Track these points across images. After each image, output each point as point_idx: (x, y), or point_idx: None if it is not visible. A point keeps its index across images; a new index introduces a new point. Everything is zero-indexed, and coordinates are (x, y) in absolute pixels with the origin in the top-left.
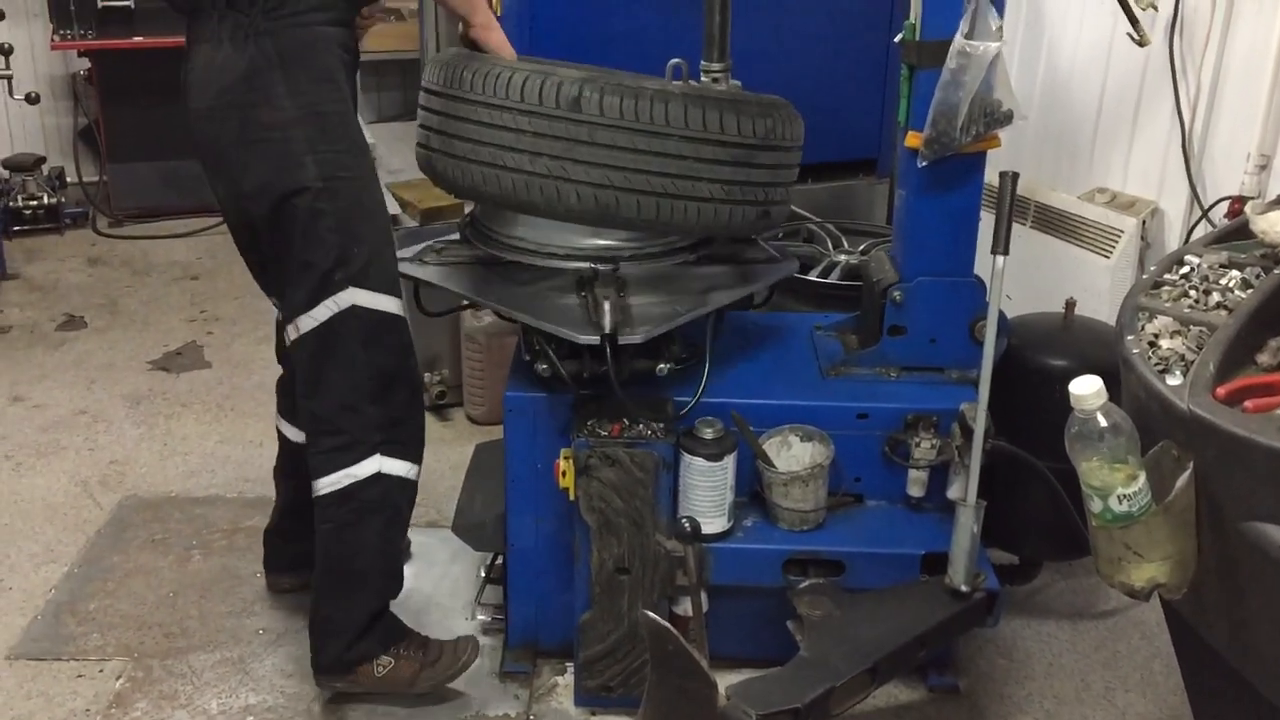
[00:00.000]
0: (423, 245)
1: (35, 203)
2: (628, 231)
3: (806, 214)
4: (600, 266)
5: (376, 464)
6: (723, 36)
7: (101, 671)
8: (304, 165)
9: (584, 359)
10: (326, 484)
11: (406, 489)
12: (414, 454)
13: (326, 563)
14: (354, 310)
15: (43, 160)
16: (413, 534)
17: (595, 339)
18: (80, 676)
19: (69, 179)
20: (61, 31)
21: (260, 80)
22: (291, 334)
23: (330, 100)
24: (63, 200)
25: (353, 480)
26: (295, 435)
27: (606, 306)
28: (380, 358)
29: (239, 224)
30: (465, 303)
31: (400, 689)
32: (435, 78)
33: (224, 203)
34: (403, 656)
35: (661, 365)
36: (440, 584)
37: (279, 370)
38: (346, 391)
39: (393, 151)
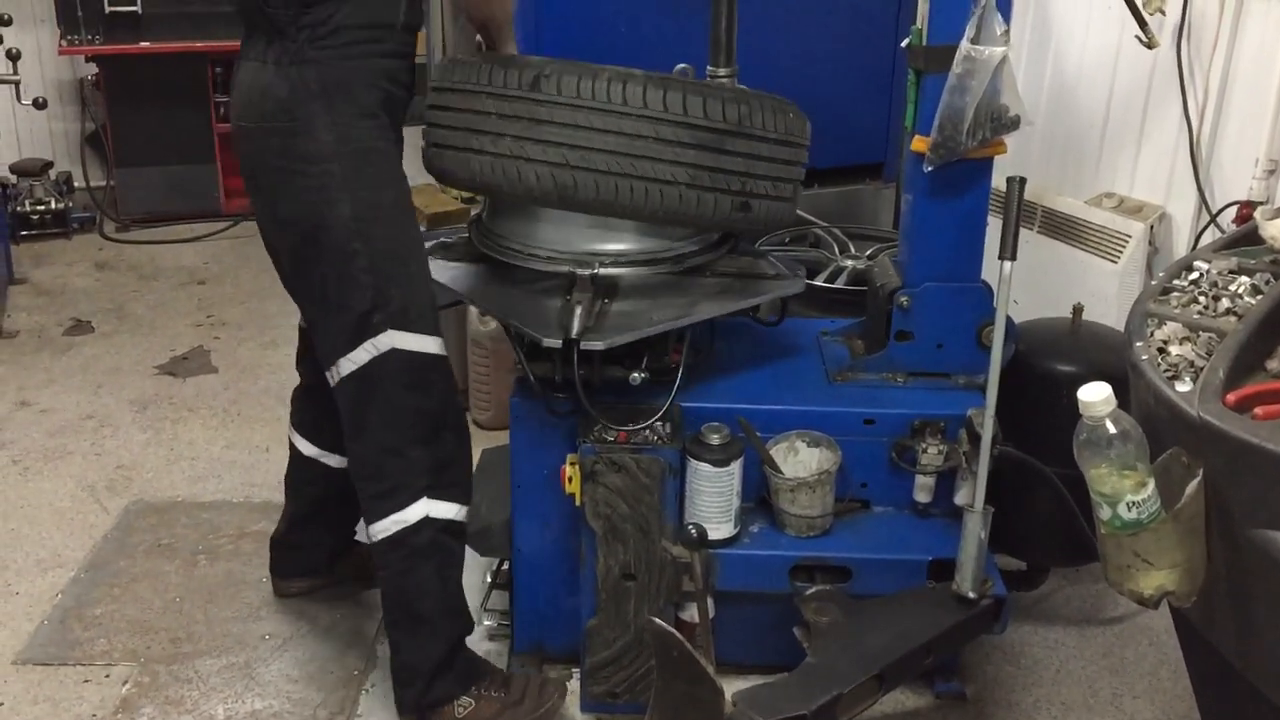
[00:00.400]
0: (434, 241)
1: (43, 208)
2: (623, 235)
3: (813, 218)
4: (580, 271)
5: (424, 508)
6: (729, 41)
7: (108, 677)
8: (339, 202)
9: (555, 362)
10: (379, 530)
11: (455, 530)
12: (462, 495)
13: (391, 608)
14: (394, 353)
15: (50, 165)
16: None
17: (558, 341)
18: (86, 682)
19: (76, 184)
20: (69, 37)
21: (302, 110)
22: (332, 378)
23: (372, 137)
24: (70, 205)
25: (401, 526)
26: (308, 448)
27: (578, 310)
28: (423, 400)
29: (269, 245)
30: (455, 300)
31: None
32: (434, 76)
33: (259, 222)
34: (484, 696)
35: (635, 374)
36: None
37: (285, 375)
38: (390, 436)
39: (404, 159)
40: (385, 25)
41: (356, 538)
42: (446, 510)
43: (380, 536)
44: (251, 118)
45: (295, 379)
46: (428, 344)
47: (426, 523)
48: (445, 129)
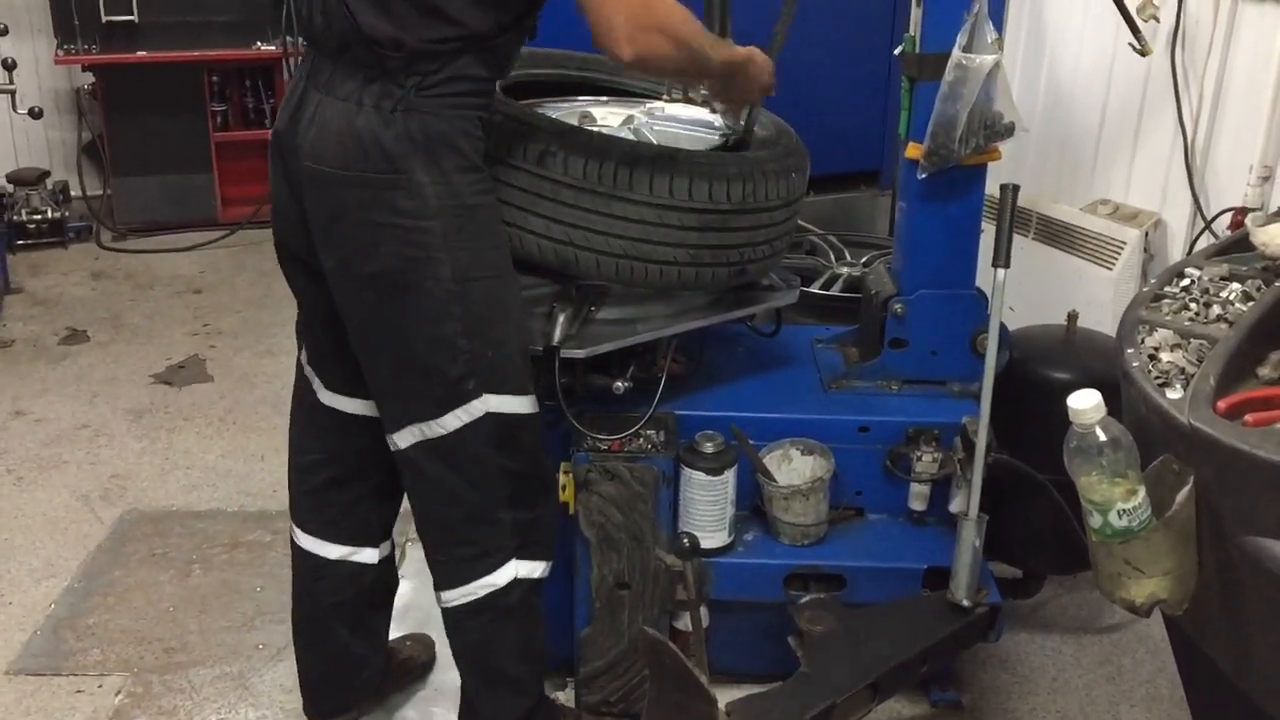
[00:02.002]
0: None
1: (39, 217)
2: None
3: (809, 226)
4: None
5: (513, 570)
6: None
7: (101, 687)
8: (438, 263)
9: (538, 369)
10: (460, 595)
11: (541, 587)
12: (547, 551)
13: (473, 671)
14: (487, 417)
15: (47, 174)
16: (414, 548)
17: (538, 349)
18: (79, 692)
19: (73, 193)
20: (66, 46)
21: (405, 162)
22: (405, 440)
23: (474, 192)
24: (66, 214)
25: (490, 590)
26: (335, 550)
27: (560, 319)
28: (515, 462)
29: (322, 296)
30: None
31: None
32: None
33: (332, 274)
34: None
35: (618, 383)
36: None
37: (281, 384)
38: (479, 502)
39: None
40: (490, 79)
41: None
42: (534, 569)
43: (461, 601)
44: (338, 163)
45: (289, 388)
46: (521, 404)
47: (516, 584)
48: None
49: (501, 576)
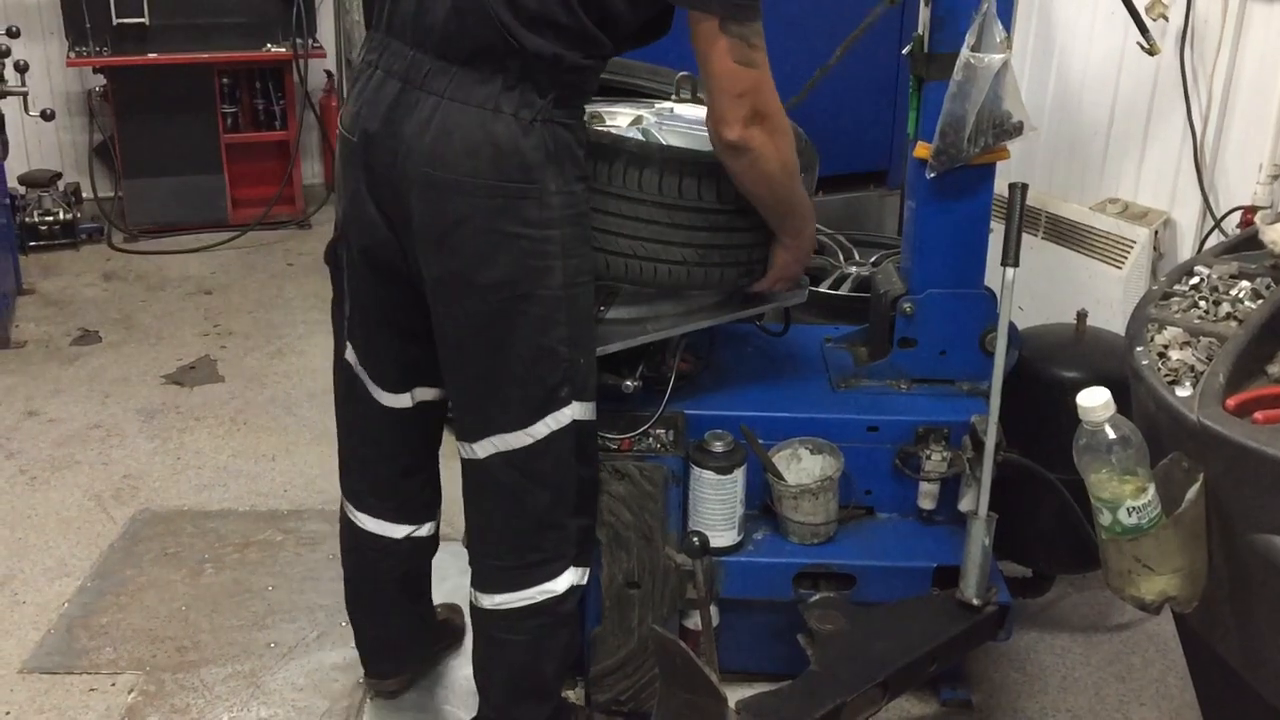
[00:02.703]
0: None
1: (51, 218)
2: None
3: (817, 225)
4: None
5: (571, 577)
6: None
7: (114, 685)
8: (553, 271)
9: None
10: (515, 599)
11: (582, 595)
12: (590, 558)
13: (511, 672)
14: (572, 425)
15: (58, 176)
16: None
17: None
18: (93, 690)
19: (84, 195)
20: (77, 49)
21: (540, 173)
22: (484, 450)
23: (585, 200)
24: (78, 216)
25: (549, 596)
26: (398, 530)
27: None
28: (587, 470)
29: (390, 299)
30: None
31: None
32: None
33: (398, 271)
34: None
35: (627, 382)
36: (452, 597)
37: (292, 384)
38: (551, 509)
39: None
40: (592, 92)
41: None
42: (583, 576)
43: (517, 604)
44: (466, 170)
45: (304, 386)
46: (592, 410)
47: (572, 591)
48: None
49: (561, 583)
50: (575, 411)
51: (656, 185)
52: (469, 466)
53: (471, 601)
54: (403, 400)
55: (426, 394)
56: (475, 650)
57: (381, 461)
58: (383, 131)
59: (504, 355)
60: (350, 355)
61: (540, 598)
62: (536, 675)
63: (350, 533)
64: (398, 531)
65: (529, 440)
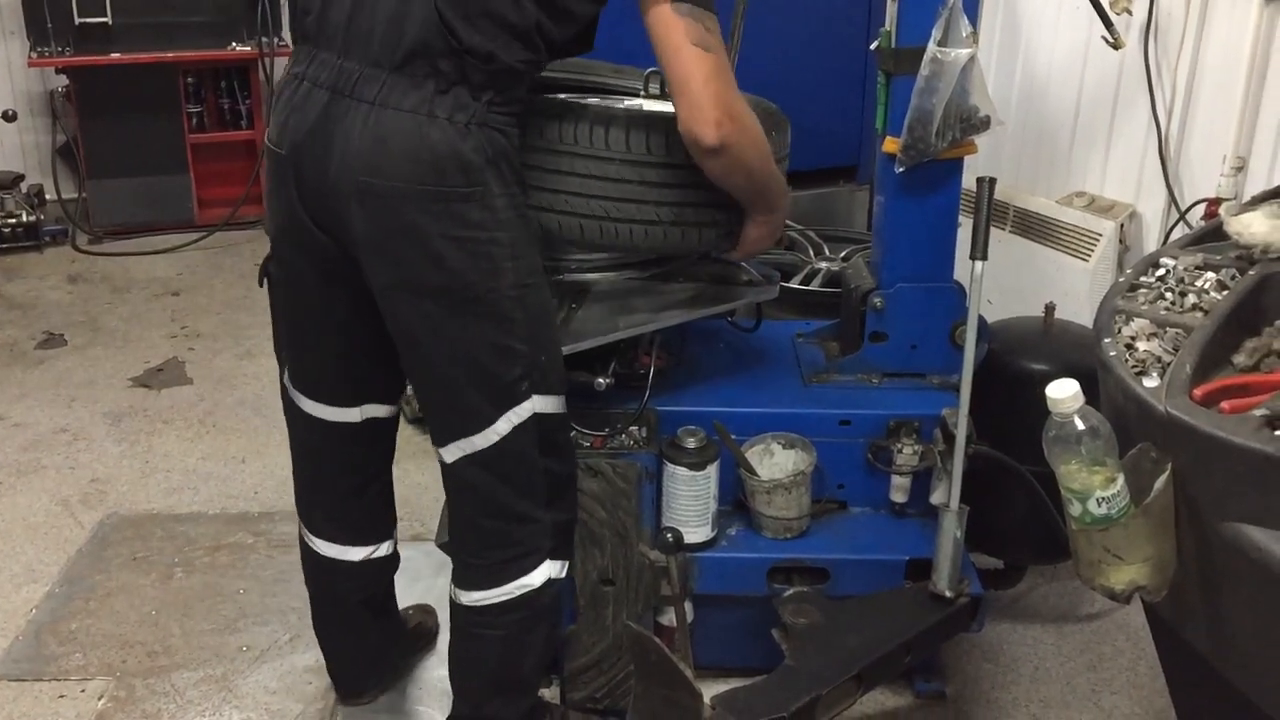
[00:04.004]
0: None
1: (14, 220)
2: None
3: (788, 221)
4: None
5: (547, 570)
6: None
7: (84, 691)
8: (504, 272)
9: None
10: (494, 594)
11: (561, 588)
12: (571, 551)
13: (490, 667)
14: (534, 418)
15: (21, 178)
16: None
17: None
18: (62, 697)
19: (48, 196)
20: (39, 48)
21: (480, 176)
22: (452, 455)
23: (525, 201)
24: (42, 218)
25: (526, 590)
26: (358, 553)
27: None
28: (555, 462)
29: (333, 311)
30: None
31: None
32: None
33: (342, 284)
34: None
35: (599, 380)
36: (425, 598)
37: (261, 386)
38: (522, 503)
39: None
40: (528, 100)
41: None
42: (562, 569)
43: (496, 600)
44: (404, 177)
45: (273, 388)
46: (558, 403)
47: (549, 584)
48: None
49: (537, 577)
50: (536, 405)
51: (624, 142)
52: (443, 469)
53: (451, 598)
54: (349, 415)
55: (378, 410)
56: (452, 647)
57: (329, 482)
58: (312, 143)
59: (463, 357)
60: (285, 377)
61: (518, 592)
62: (514, 670)
63: (309, 557)
64: (355, 554)
65: (495, 438)
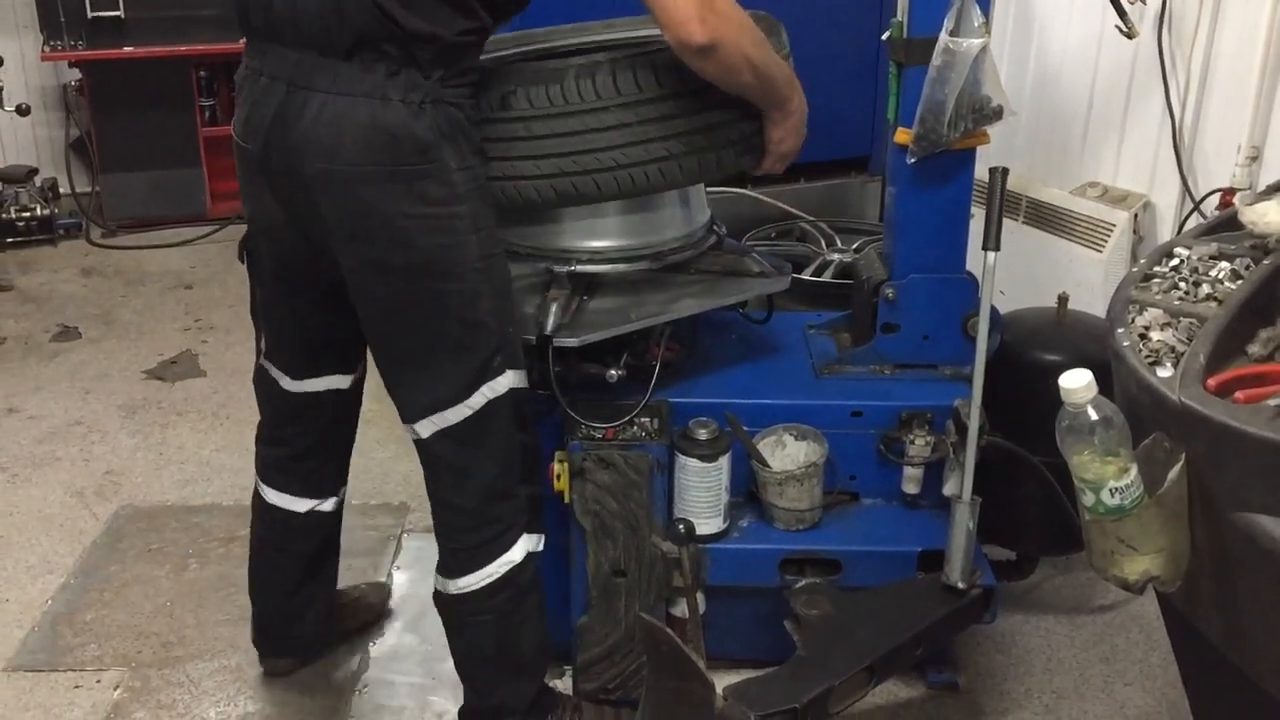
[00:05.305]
0: None
1: (28, 214)
2: (604, 232)
3: (799, 213)
4: (557, 268)
5: (525, 544)
6: None
7: (99, 682)
8: (468, 245)
9: (531, 358)
10: (479, 578)
11: (539, 559)
12: (543, 525)
13: (489, 652)
14: (510, 393)
15: (35, 172)
16: (410, 539)
17: (531, 338)
18: (78, 687)
19: (62, 190)
20: (52, 43)
21: (436, 152)
22: (426, 430)
23: (483, 174)
24: (55, 211)
25: (509, 567)
26: (302, 504)
27: (553, 307)
28: (527, 436)
29: (303, 294)
30: None
31: None
32: None
33: (312, 268)
34: None
35: (611, 371)
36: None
37: None
38: (499, 479)
39: None
40: (480, 69)
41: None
42: (539, 543)
43: (483, 584)
44: (361, 160)
45: None
46: (524, 378)
47: (529, 558)
48: None
49: (518, 552)
50: (510, 380)
51: (613, 87)
52: (418, 447)
53: (437, 590)
54: (313, 385)
55: (340, 381)
56: (450, 644)
57: (288, 442)
58: (275, 135)
59: (435, 333)
60: (261, 345)
61: (501, 571)
62: (514, 652)
63: (257, 504)
64: (300, 506)
65: (468, 412)
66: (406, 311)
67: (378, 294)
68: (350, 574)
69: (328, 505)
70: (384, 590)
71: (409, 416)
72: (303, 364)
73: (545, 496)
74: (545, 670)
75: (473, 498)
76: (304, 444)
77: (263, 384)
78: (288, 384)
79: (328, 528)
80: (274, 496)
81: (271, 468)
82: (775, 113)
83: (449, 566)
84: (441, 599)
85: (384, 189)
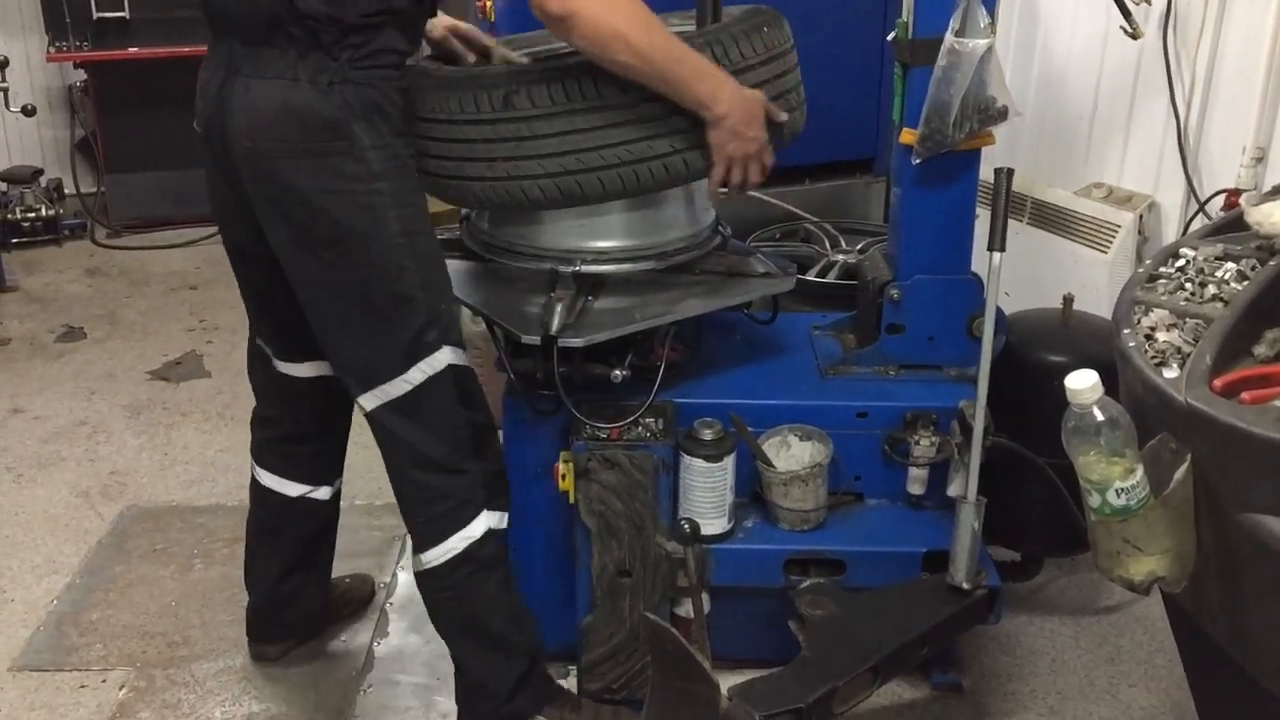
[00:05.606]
0: None
1: (33, 215)
2: (608, 232)
3: (804, 214)
4: (562, 268)
5: (485, 520)
6: None
7: (104, 682)
8: (388, 220)
9: (536, 358)
10: (440, 553)
11: (507, 540)
12: (508, 503)
13: (457, 630)
14: (449, 369)
15: (40, 172)
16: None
17: (536, 339)
18: (83, 687)
19: (67, 191)
20: (57, 44)
21: (346, 129)
22: (373, 401)
23: (406, 153)
24: (61, 212)
25: (469, 542)
26: (294, 489)
27: (558, 308)
28: (474, 412)
29: (262, 274)
30: None
31: None
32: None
33: (260, 248)
34: (555, 718)
35: (616, 372)
36: None
37: None
38: (449, 454)
39: None
40: (406, 52)
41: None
42: (501, 520)
43: (443, 559)
44: (277, 139)
45: None
46: (464, 356)
47: (490, 534)
48: (436, 159)
49: (476, 528)
50: (448, 356)
51: (614, 84)
52: (368, 421)
53: (415, 569)
54: (301, 370)
55: (324, 369)
56: (431, 621)
57: (278, 424)
58: (215, 119)
59: (363, 307)
60: (253, 328)
61: (461, 546)
62: (482, 628)
63: (252, 487)
64: (292, 490)
65: (407, 387)
66: (333, 287)
67: (309, 271)
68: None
69: (321, 493)
70: (369, 583)
71: (354, 390)
72: (284, 345)
73: (504, 472)
74: (528, 651)
75: (424, 472)
76: (295, 428)
77: (255, 361)
78: (277, 364)
79: (321, 516)
80: (266, 478)
81: (264, 449)
82: (702, 112)
83: (414, 543)
84: (416, 577)
85: (299, 166)
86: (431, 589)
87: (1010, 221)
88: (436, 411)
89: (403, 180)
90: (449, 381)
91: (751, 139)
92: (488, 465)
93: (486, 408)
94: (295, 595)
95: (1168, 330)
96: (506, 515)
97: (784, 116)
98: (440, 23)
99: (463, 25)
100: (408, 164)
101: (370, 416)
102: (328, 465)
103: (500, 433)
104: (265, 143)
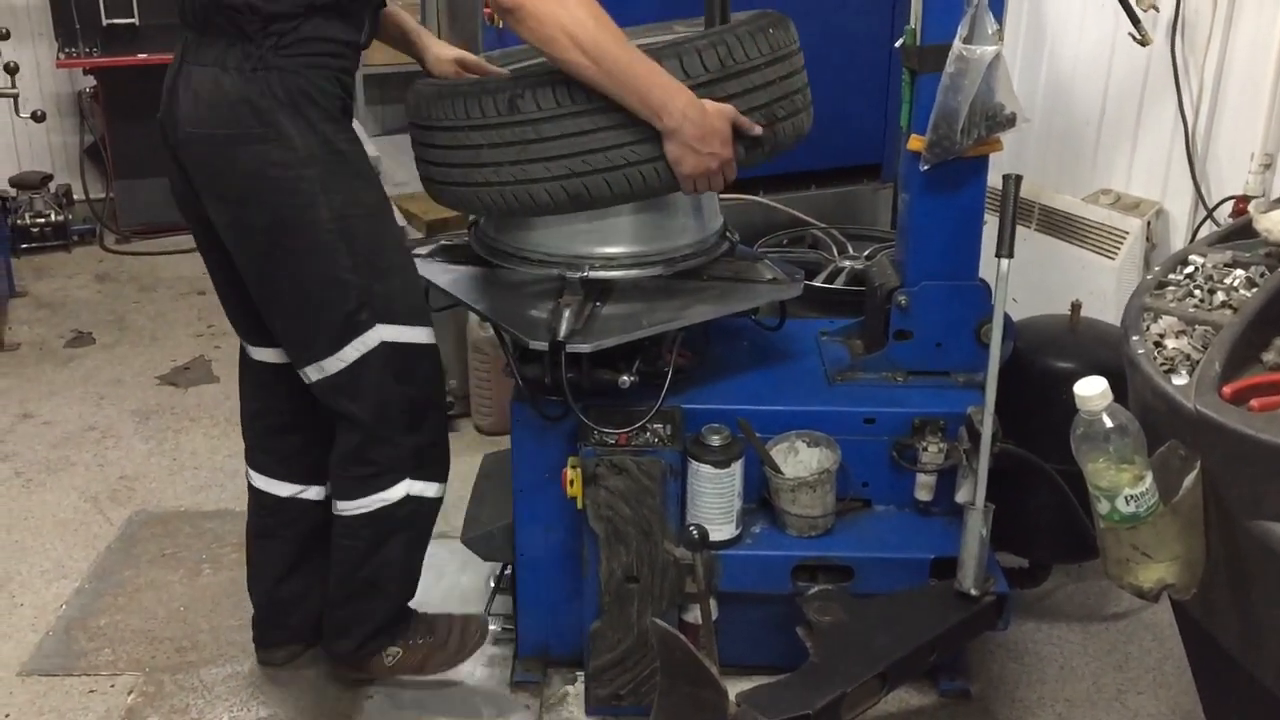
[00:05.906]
0: (435, 244)
1: (43, 220)
2: (616, 238)
3: (811, 220)
4: (570, 274)
5: (406, 488)
6: None
7: (113, 686)
8: (317, 205)
9: (544, 364)
10: (354, 506)
11: (432, 507)
12: (442, 474)
13: (347, 574)
14: (382, 346)
15: (50, 178)
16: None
17: (544, 344)
18: (92, 692)
19: (76, 196)
20: (67, 50)
21: (271, 116)
22: (313, 375)
23: (341, 140)
24: (70, 217)
25: (383, 504)
26: (285, 489)
27: (566, 313)
28: (412, 389)
29: (222, 258)
30: (452, 303)
31: (412, 674)
32: (410, 111)
33: (214, 232)
34: (410, 646)
35: (624, 377)
36: (450, 595)
37: None
38: (378, 426)
39: (397, 164)
40: (346, 42)
41: None
42: (427, 489)
43: (355, 511)
44: (211, 125)
45: None
46: (417, 334)
47: (407, 500)
48: (442, 166)
49: (394, 493)
50: (385, 334)
51: (552, 100)
52: (312, 391)
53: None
54: (264, 354)
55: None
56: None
57: (260, 416)
58: (167, 107)
59: (295, 288)
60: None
61: (374, 505)
62: (369, 582)
63: (249, 491)
64: (283, 490)
65: (342, 364)
66: (268, 269)
67: (247, 253)
68: None
69: (312, 494)
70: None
71: (297, 364)
72: (248, 328)
73: (441, 445)
74: (399, 604)
75: (351, 442)
76: (278, 418)
77: (240, 356)
78: (249, 350)
79: (314, 517)
80: (258, 480)
81: (255, 449)
82: (654, 122)
83: (332, 489)
84: (333, 515)
85: (228, 152)
86: (337, 533)
87: (1018, 228)
88: (369, 386)
89: (334, 165)
90: (384, 359)
91: (708, 155)
92: (421, 438)
93: (432, 383)
94: (295, 599)
95: (1177, 337)
96: (438, 485)
97: (758, 130)
98: (447, 55)
99: (470, 56)
100: (343, 150)
101: (311, 386)
102: (316, 463)
103: (446, 408)
104: (200, 128)
